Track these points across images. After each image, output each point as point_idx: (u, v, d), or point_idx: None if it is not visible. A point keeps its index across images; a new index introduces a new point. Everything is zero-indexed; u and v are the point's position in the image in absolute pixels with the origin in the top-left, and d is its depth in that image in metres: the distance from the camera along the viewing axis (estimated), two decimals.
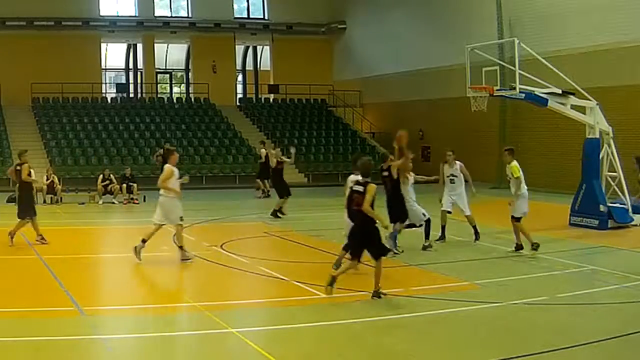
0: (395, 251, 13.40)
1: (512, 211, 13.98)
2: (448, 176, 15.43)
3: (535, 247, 13.70)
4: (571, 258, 13.39)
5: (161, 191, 13.26)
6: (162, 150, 27.25)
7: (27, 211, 15.13)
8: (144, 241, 13.01)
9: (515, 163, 14.09)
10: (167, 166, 13.31)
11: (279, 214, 19.83)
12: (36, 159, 28.28)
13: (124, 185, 24.44)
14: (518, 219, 13.93)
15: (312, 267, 13.05)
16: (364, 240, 10.42)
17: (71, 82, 34.80)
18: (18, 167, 15.48)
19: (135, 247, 12.97)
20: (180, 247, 13.18)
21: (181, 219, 13.24)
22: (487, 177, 27.65)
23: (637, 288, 11.17)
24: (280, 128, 37.52)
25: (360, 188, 10.41)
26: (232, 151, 34.01)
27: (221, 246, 14.66)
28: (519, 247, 14.03)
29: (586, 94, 18.28)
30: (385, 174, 13.56)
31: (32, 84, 34.45)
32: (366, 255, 13.63)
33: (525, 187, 14.08)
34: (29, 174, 15.28)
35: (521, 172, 14.05)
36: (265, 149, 27.75)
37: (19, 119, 33.64)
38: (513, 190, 14.08)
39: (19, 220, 15.05)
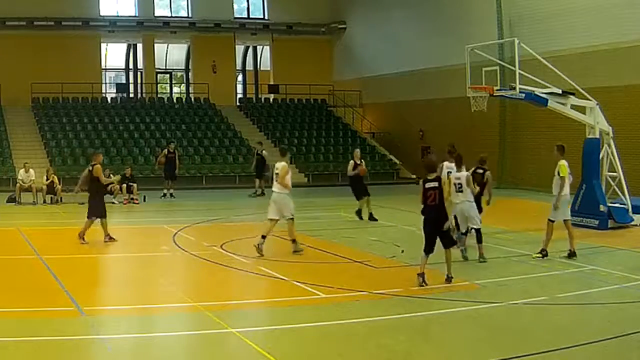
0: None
1: (551, 215, 13.44)
2: None
3: (543, 254, 13.37)
4: (571, 258, 13.38)
5: (274, 188, 13.99)
6: (166, 150, 27.25)
7: (96, 211, 15.29)
8: (263, 237, 13.75)
9: (564, 162, 13.52)
10: (284, 164, 14.11)
11: (359, 215, 19.19)
12: (36, 159, 28.32)
13: (124, 185, 24.44)
14: (552, 221, 13.43)
15: (312, 267, 13.06)
16: (438, 231, 11.12)
17: (71, 82, 34.76)
18: (90, 168, 15.69)
19: (257, 245, 13.68)
20: (293, 241, 14.01)
21: (292, 215, 14.05)
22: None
23: (637, 288, 11.18)
24: (280, 128, 37.51)
25: (434, 184, 11.10)
26: (232, 151, 34.01)
27: (221, 246, 14.66)
28: (572, 254, 13.45)
29: (586, 94, 18.28)
30: (480, 171, 14.44)
31: (32, 84, 34.41)
32: (366, 255, 13.67)
33: (568, 190, 13.53)
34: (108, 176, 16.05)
35: (569, 174, 13.51)
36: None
37: (19, 119, 33.62)
38: (555, 190, 13.46)
39: (86, 219, 15.33)
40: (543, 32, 25.91)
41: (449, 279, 11.24)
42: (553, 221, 13.45)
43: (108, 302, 10.75)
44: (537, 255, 13.41)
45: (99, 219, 15.36)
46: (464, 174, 13.32)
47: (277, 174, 14.04)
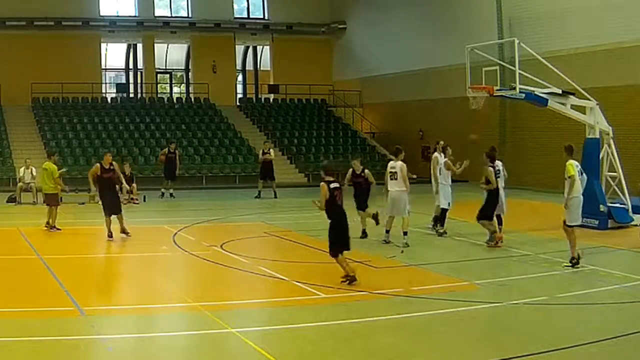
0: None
1: (566, 217, 12.83)
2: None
3: (573, 263, 12.53)
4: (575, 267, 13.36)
5: (394, 187, 14.78)
6: (167, 149, 27.21)
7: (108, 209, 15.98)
8: (387, 231, 15.04)
9: (572, 162, 13.00)
10: (402, 163, 14.88)
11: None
12: (36, 159, 28.25)
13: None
14: (570, 226, 12.76)
15: (312, 267, 13.06)
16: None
17: (71, 82, 34.75)
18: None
19: (385, 240, 15.01)
20: (405, 233, 14.80)
21: (408, 212, 15.00)
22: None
23: (637, 288, 11.18)
24: (280, 128, 37.51)
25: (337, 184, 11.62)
26: (232, 151, 34.01)
27: (221, 246, 14.67)
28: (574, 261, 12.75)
29: (586, 94, 18.28)
30: None
31: (32, 84, 34.42)
32: (366, 255, 13.66)
33: (579, 192, 12.90)
34: None
35: (577, 173, 12.92)
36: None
37: (19, 119, 33.62)
38: (565, 192, 12.95)
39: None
40: (543, 32, 25.91)
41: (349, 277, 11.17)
42: (570, 226, 12.82)
43: (108, 302, 10.75)
44: (568, 265, 12.59)
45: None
46: (500, 163, 15.22)
47: (393, 173, 14.80)
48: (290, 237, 16.33)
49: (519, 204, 23.60)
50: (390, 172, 14.89)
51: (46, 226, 17.01)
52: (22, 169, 24.50)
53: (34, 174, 24.08)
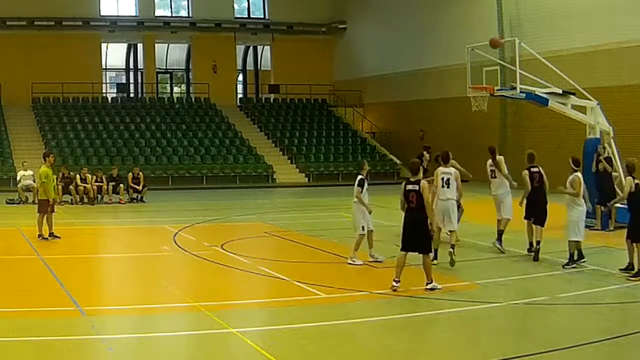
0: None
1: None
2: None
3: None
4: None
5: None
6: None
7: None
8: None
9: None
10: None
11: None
12: (36, 159, 28.28)
13: (111, 185, 24.39)
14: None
15: (312, 267, 13.06)
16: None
17: (71, 82, 34.76)
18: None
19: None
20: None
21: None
22: (486, 176, 27.59)
23: (637, 288, 11.18)
24: (280, 128, 37.53)
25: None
26: (233, 151, 34.02)
27: (222, 246, 14.67)
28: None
29: (586, 94, 18.27)
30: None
31: (32, 84, 34.44)
32: (366, 255, 13.66)
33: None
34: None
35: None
36: None
37: (19, 118, 33.63)
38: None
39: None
40: (543, 32, 25.92)
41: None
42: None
43: (108, 302, 10.75)
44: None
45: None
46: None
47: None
48: (290, 237, 16.34)
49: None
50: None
51: (39, 237, 15.33)
52: (20, 172, 24.42)
53: (33, 174, 24.05)
